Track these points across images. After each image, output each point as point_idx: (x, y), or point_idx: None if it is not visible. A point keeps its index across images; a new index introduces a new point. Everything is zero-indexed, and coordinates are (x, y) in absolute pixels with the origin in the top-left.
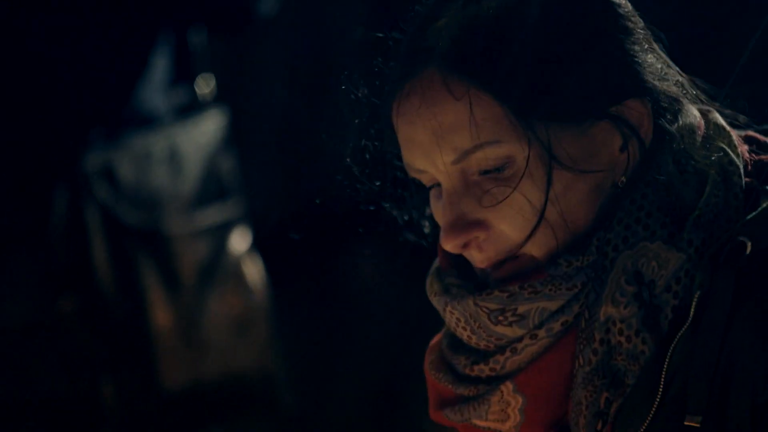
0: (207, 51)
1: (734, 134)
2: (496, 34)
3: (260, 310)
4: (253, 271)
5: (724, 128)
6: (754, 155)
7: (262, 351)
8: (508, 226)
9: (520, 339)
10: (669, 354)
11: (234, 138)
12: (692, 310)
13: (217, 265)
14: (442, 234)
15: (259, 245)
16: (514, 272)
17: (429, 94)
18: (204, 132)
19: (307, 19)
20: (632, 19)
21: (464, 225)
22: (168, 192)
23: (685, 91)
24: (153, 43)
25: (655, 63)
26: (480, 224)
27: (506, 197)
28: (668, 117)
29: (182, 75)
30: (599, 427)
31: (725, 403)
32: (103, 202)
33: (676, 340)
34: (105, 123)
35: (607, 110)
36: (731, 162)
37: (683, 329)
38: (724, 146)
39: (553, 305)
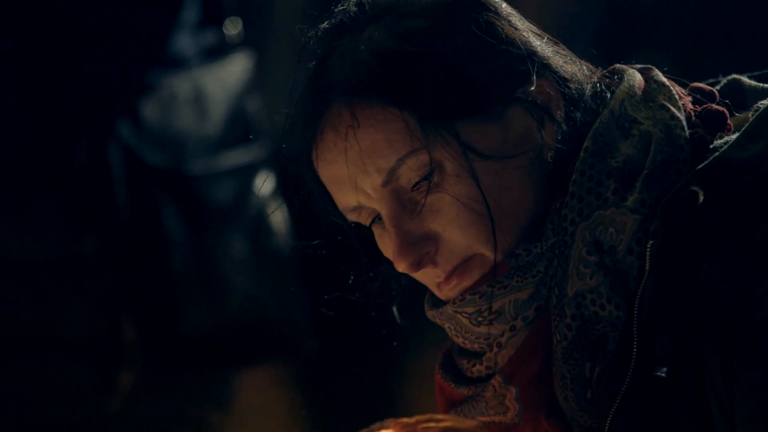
0: None
1: (676, 88)
2: (384, 54)
3: (283, 253)
4: (277, 214)
5: (663, 84)
6: (697, 106)
7: (284, 294)
8: (454, 232)
9: (502, 334)
10: (636, 310)
11: (261, 81)
12: (647, 262)
13: (241, 208)
14: (393, 257)
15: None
16: (469, 281)
17: (340, 127)
18: (231, 74)
19: None
20: (501, 7)
21: (413, 242)
22: (193, 133)
23: (573, 59)
24: None
25: (540, 42)
26: (428, 238)
27: (435, 201)
28: (573, 86)
29: (210, 17)
30: (588, 396)
31: (698, 351)
32: (128, 142)
33: (638, 295)
34: (130, 65)
35: (511, 95)
36: (673, 116)
37: (642, 282)
38: (665, 102)
39: (523, 295)
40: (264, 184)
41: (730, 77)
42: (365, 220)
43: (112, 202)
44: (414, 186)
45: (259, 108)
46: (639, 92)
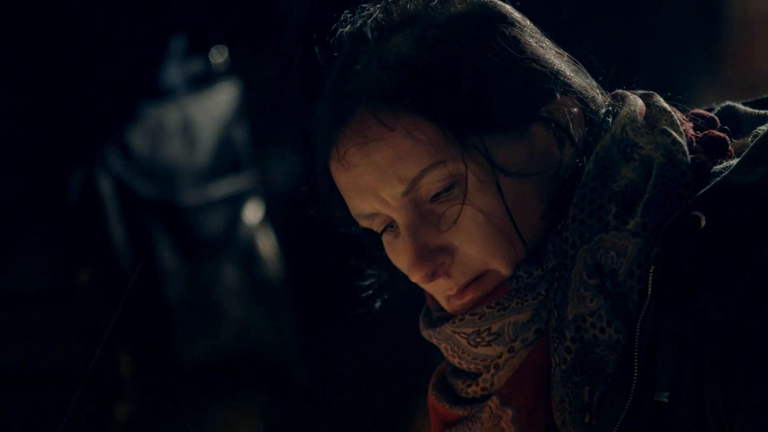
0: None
1: (677, 114)
2: (413, 63)
3: (273, 282)
4: (267, 243)
5: (665, 109)
6: (699, 132)
7: (275, 323)
8: (471, 245)
9: (500, 355)
10: (637, 335)
11: (247, 109)
12: (649, 287)
13: (231, 237)
14: (408, 268)
15: (272, 217)
16: (482, 295)
17: (364, 133)
18: (217, 103)
19: None
20: (526, 24)
21: (428, 254)
22: (183, 163)
23: (591, 81)
24: (167, 15)
25: (561, 61)
26: (444, 250)
27: (455, 213)
28: (592, 107)
29: (196, 46)
30: (587, 420)
31: (700, 376)
32: (119, 174)
33: (640, 319)
34: (120, 96)
35: (535, 112)
36: (674, 141)
37: (644, 308)
38: (667, 127)
39: (523, 317)
40: (254, 212)
41: (724, 104)
42: (377, 227)
43: (105, 234)
44: (434, 197)
45: (247, 136)
46: (640, 117)
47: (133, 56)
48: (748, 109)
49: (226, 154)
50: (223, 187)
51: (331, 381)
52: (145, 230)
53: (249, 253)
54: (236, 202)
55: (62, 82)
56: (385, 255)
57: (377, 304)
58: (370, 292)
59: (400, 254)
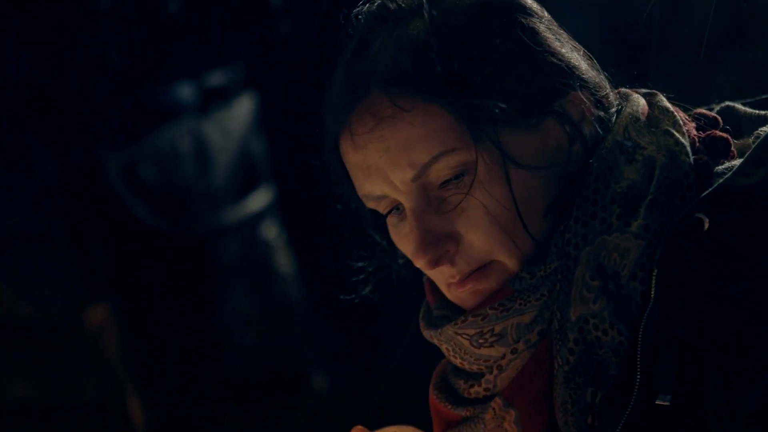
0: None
1: (680, 114)
2: (431, 49)
3: (292, 300)
4: (285, 262)
5: (667, 109)
6: (701, 132)
7: (295, 343)
8: (477, 234)
9: (503, 356)
10: (640, 337)
11: (264, 125)
12: (652, 290)
13: (249, 258)
14: (413, 253)
15: (291, 234)
16: (483, 288)
17: (377, 115)
18: (234, 119)
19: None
20: (544, 15)
21: (434, 240)
22: (198, 187)
23: (603, 78)
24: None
25: (577, 55)
26: (449, 237)
27: (461, 201)
28: (605, 104)
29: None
30: (589, 421)
31: (701, 379)
32: (134, 206)
33: (643, 322)
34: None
35: (549, 106)
36: (677, 142)
37: (647, 310)
38: (669, 127)
39: (526, 318)
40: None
41: (723, 104)
42: (383, 209)
43: (121, 266)
44: (443, 184)
45: (265, 153)
46: (643, 117)
47: (145, 77)
48: (748, 110)
49: (244, 173)
50: (240, 209)
51: (349, 397)
52: (161, 261)
53: (267, 274)
54: (253, 223)
55: (77, 110)
56: (383, 242)
57: (368, 290)
58: (362, 276)
59: (405, 238)
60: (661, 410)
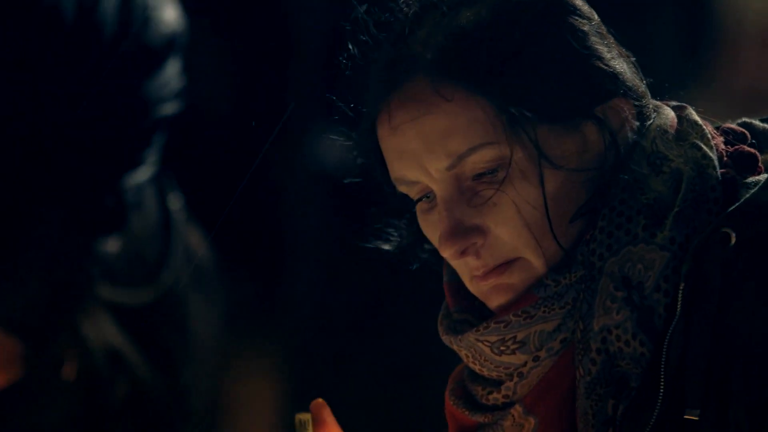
0: None
1: (708, 127)
2: (481, 39)
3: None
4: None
5: (696, 123)
6: (729, 147)
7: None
8: (505, 230)
9: (524, 364)
10: (665, 351)
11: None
12: (679, 304)
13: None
14: (440, 241)
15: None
16: (512, 297)
17: (419, 101)
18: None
19: None
20: (594, 18)
21: (462, 231)
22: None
23: (645, 87)
24: None
25: (623, 62)
26: (477, 230)
27: (492, 195)
28: (646, 114)
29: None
30: None
31: (726, 395)
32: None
33: (668, 336)
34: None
35: (591, 110)
36: (705, 156)
37: (673, 324)
38: (697, 141)
39: (549, 326)
40: None
41: (740, 120)
42: (414, 195)
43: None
44: (477, 176)
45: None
46: (671, 130)
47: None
48: (767, 126)
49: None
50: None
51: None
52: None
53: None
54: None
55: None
56: (407, 225)
57: (379, 243)
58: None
59: (432, 226)
60: (684, 424)
